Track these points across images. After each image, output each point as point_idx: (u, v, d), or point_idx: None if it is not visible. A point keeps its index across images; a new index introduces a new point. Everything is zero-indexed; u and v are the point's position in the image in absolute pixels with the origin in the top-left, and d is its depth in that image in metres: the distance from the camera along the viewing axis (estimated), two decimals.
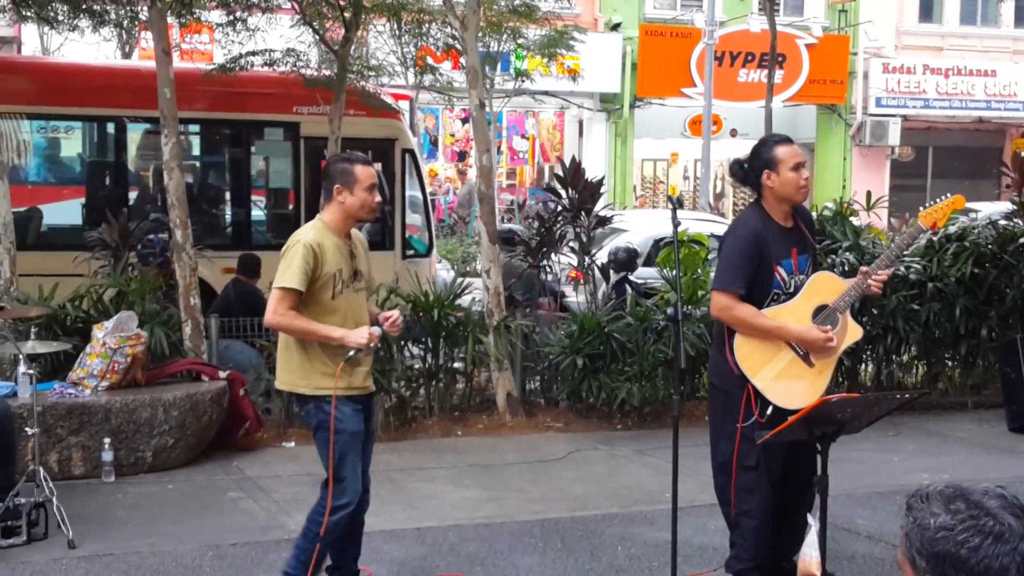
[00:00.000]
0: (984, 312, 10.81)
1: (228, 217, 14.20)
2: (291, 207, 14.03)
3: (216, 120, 13.67)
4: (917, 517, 2.12)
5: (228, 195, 14.38)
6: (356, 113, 12.96)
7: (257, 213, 14.29)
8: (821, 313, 5.60)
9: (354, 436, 5.53)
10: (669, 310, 5.59)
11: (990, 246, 10.87)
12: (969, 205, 11.12)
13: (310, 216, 13.62)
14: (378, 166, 13.57)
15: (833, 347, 5.60)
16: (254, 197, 14.23)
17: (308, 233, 5.51)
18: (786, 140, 5.74)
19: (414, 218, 14.73)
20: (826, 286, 5.68)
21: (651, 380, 9.87)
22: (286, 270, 5.38)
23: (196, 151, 14.65)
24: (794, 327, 5.55)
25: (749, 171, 5.70)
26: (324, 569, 5.66)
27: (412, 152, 14.19)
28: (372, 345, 5.45)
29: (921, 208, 5.77)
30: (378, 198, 5.59)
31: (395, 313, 5.70)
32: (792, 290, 5.63)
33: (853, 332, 5.78)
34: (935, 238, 10.94)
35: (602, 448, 9.36)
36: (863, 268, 5.74)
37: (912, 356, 11.25)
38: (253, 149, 14.13)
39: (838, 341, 5.62)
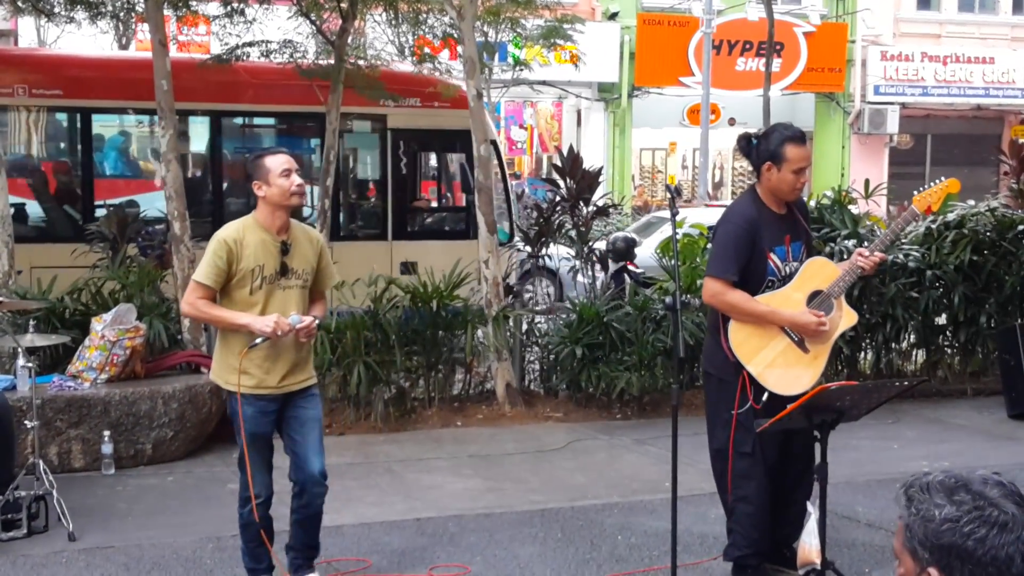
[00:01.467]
0: (983, 299, 10.81)
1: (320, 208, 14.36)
2: (378, 198, 14.28)
3: (305, 113, 13.85)
4: (920, 509, 2.11)
5: (317, 186, 14.53)
6: (440, 105, 13.44)
7: (346, 204, 14.55)
8: (815, 299, 5.61)
9: (255, 437, 5.53)
10: (668, 299, 5.59)
11: (989, 233, 10.86)
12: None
13: (397, 207, 13.91)
14: (461, 156, 13.81)
15: (826, 331, 5.61)
16: (344, 188, 14.47)
17: (227, 229, 5.53)
18: (800, 139, 5.68)
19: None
20: (820, 272, 5.68)
21: (650, 369, 9.87)
22: (200, 264, 5.50)
23: (285, 143, 14.84)
24: (786, 311, 5.56)
25: (754, 152, 5.70)
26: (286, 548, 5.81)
27: (494, 143, 14.33)
28: (280, 334, 5.33)
29: (915, 192, 5.78)
30: (296, 180, 5.44)
31: (309, 320, 5.48)
32: (786, 276, 5.64)
33: (848, 317, 5.78)
34: (934, 226, 10.94)
35: (601, 438, 9.36)
36: (859, 250, 5.76)
37: (911, 344, 11.25)
38: (341, 141, 14.18)
39: (832, 326, 5.63)
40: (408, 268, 11.36)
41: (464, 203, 14.65)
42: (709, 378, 5.91)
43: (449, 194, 15.61)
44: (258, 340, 5.36)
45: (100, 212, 12.78)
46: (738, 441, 5.56)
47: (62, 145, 14.16)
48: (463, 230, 13.23)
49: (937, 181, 5.80)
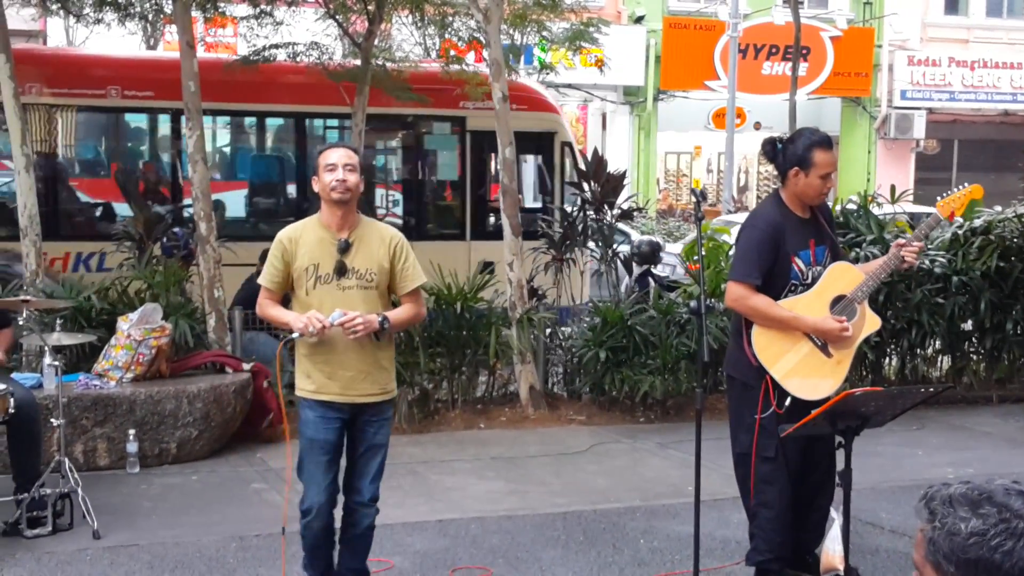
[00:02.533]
0: (1009, 306, 10.76)
1: (400, 208, 14.83)
2: (457, 199, 14.53)
3: (387, 115, 14.09)
4: (945, 523, 2.09)
5: (401, 187, 15.05)
6: (518, 107, 13.44)
7: (427, 204, 14.83)
8: (839, 304, 5.60)
9: (312, 443, 5.32)
10: (692, 303, 5.58)
11: (1016, 239, 10.81)
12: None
13: (476, 207, 14.07)
14: (539, 158, 14.03)
15: (849, 337, 5.59)
16: (424, 189, 14.82)
17: (288, 227, 5.46)
18: (827, 144, 5.68)
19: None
20: (843, 276, 5.67)
21: (674, 373, 9.86)
22: (264, 266, 5.47)
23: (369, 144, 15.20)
24: (809, 317, 5.55)
25: (780, 157, 5.69)
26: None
27: (571, 145, 14.75)
28: (312, 331, 5.12)
29: (939, 198, 5.77)
30: (339, 176, 5.22)
31: (352, 315, 5.16)
32: (810, 281, 5.63)
33: (871, 322, 5.76)
34: (960, 232, 10.90)
35: (625, 441, 9.35)
36: (897, 241, 5.75)
37: (937, 350, 11.21)
38: (423, 143, 14.67)
39: (855, 331, 5.62)
40: (487, 267, 11.46)
41: (540, 204, 14.91)
42: (732, 382, 5.90)
43: (526, 195, 15.80)
44: (293, 335, 5.26)
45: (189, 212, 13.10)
46: (761, 446, 5.54)
47: (150, 146, 14.60)
48: (535, 231, 13.36)
49: (961, 187, 5.79)
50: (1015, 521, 2.06)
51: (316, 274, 5.27)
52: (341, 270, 5.27)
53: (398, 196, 15.17)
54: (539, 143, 14.19)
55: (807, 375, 5.54)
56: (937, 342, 11.05)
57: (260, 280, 5.43)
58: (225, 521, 7.01)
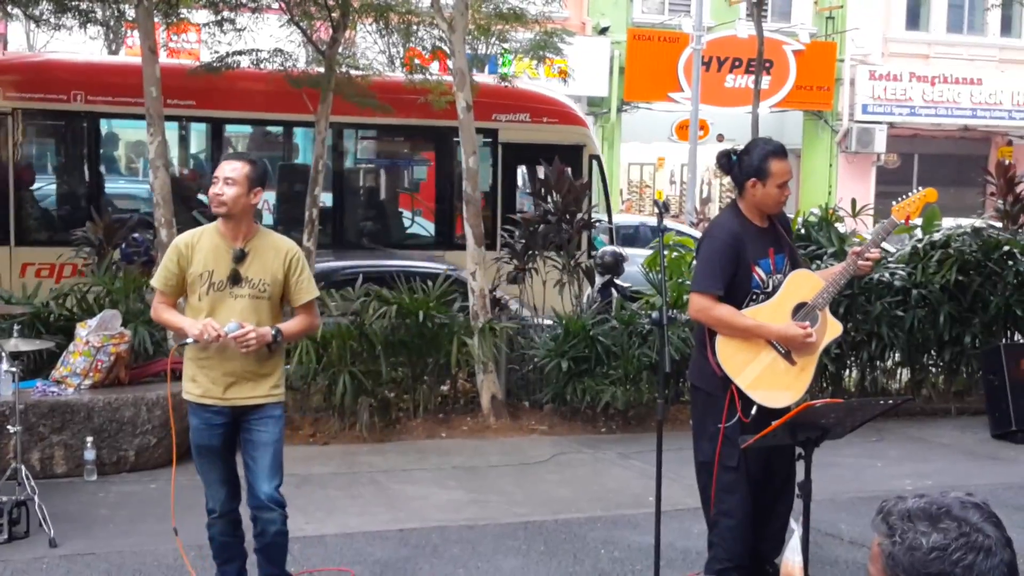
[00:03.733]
0: (968, 319, 10.85)
1: (433, 218, 15.07)
2: (488, 210, 14.50)
3: (420, 127, 14.43)
4: (906, 538, 2.10)
5: (433, 198, 15.22)
6: (549, 120, 14.13)
7: (458, 215, 14.73)
8: (801, 311, 5.64)
9: (200, 449, 5.42)
10: (654, 314, 5.59)
11: (974, 253, 10.90)
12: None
13: (506, 218, 14.13)
14: (568, 170, 14.37)
15: (813, 343, 5.62)
16: (455, 200, 14.77)
17: (186, 233, 5.50)
18: (781, 153, 5.70)
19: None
20: (804, 284, 5.70)
21: (635, 384, 9.88)
22: (158, 268, 5.53)
23: (403, 155, 15.73)
24: (773, 325, 5.58)
25: (737, 168, 5.71)
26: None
27: (598, 158, 15.04)
28: (206, 338, 5.12)
29: (894, 202, 5.82)
30: (216, 189, 5.25)
31: (246, 329, 5.17)
32: (771, 289, 5.66)
33: (833, 328, 5.80)
34: (920, 245, 10.99)
35: (586, 451, 9.36)
36: (853, 249, 5.80)
37: (896, 362, 11.29)
38: (454, 154, 14.62)
39: (818, 337, 5.65)
40: (517, 278, 11.50)
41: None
42: (696, 392, 5.91)
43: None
44: (187, 340, 5.24)
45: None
46: (724, 455, 5.56)
47: (193, 152, 14.91)
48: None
49: (916, 191, 5.87)
50: (975, 535, 2.07)
51: (210, 281, 5.29)
52: (235, 279, 5.29)
53: (430, 207, 15.39)
54: (568, 156, 14.11)
55: (772, 384, 5.56)
56: (897, 354, 11.12)
57: (153, 283, 5.50)
58: (183, 529, 6.89)
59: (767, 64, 24.18)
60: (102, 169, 14.17)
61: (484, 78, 14.72)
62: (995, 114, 29.05)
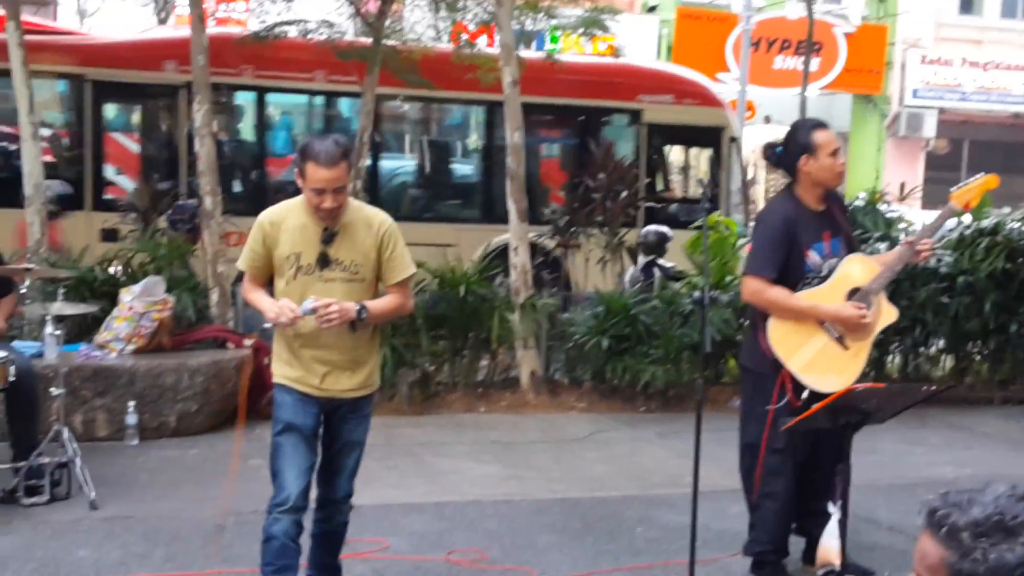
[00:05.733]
0: (1014, 307, 10.72)
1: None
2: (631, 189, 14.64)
3: (566, 106, 14.65)
4: (988, 557, 2.00)
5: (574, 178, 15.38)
6: (691, 102, 14.41)
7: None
8: (855, 295, 5.60)
9: (290, 428, 4.92)
10: (696, 294, 5.55)
11: (1023, 241, 10.77)
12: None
13: (648, 198, 14.27)
14: (709, 152, 15.01)
15: (867, 325, 5.59)
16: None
17: (270, 209, 5.03)
18: (822, 125, 5.72)
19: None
20: (859, 268, 5.67)
21: (676, 363, 9.85)
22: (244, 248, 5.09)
23: (542, 136, 15.92)
24: (827, 305, 5.55)
25: (784, 155, 5.69)
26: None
27: (737, 140, 15.20)
28: (284, 321, 4.78)
29: (953, 189, 5.76)
30: (326, 203, 4.76)
31: (325, 302, 4.77)
32: (825, 273, 5.62)
33: (888, 314, 5.76)
34: (967, 232, 10.86)
35: (624, 430, 9.34)
36: (907, 238, 5.76)
37: (940, 349, 11.18)
38: (599, 134, 14.92)
39: (873, 322, 5.61)
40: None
41: (710, 195, 15.07)
42: (747, 373, 5.90)
43: (695, 187, 16.29)
44: (266, 324, 4.93)
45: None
46: (772, 437, 5.54)
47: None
48: (690, 221, 13.54)
49: (976, 177, 5.77)
50: None
51: (297, 264, 4.90)
52: (324, 261, 4.89)
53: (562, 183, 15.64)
54: (708, 137, 14.75)
55: (824, 368, 5.53)
56: (941, 341, 11.02)
57: (239, 264, 5.10)
58: (222, 495, 6.99)
59: (817, 46, 23.94)
60: (267, 140, 14.55)
61: (631, 59, 15.55)
62: None
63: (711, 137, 14.77)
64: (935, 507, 2.11)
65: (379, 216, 5.06)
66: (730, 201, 14.80)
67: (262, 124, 14.08)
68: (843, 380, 5.45)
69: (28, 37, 12.48)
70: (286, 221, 4.92)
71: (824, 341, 5.58)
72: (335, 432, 5.09)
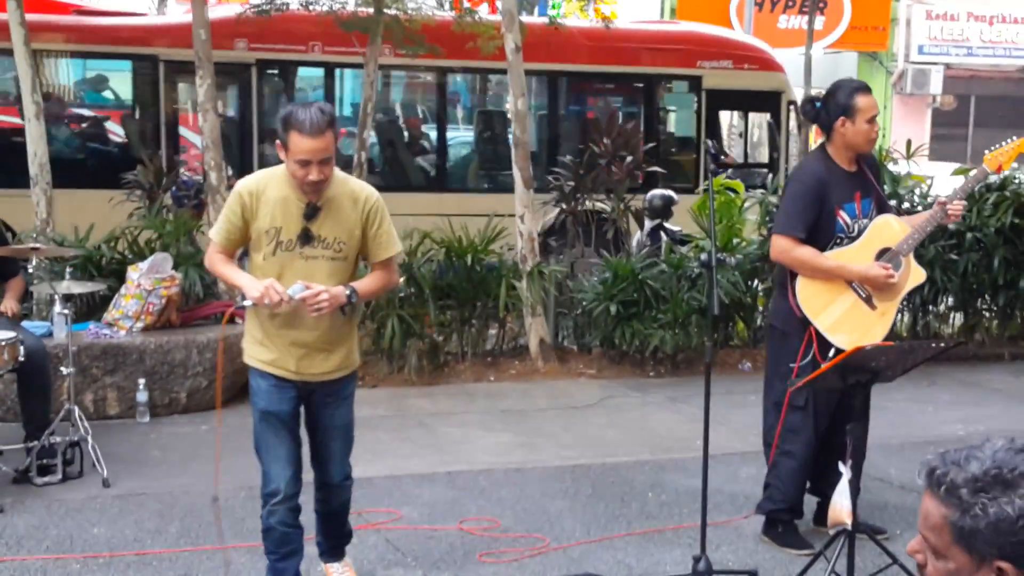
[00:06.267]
0: (1023, 263, 10.68)
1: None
2: (691, 153, 15.19)
3: (627, 74, 15.06)
4: (988, 511, 2.00)
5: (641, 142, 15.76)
6: (750, 67, 14.70)
7: (663, 158, 15.23)
8: (884, 256, 5.63)
9: (268, 416, 4.78)
10: (703, 256, 5.52)
11: None
12: None
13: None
14: (766, 116, 15.22)
15: (895, 285, 5.62)
16: (659, 144, 15.30)
17: (249, 178, 4.78)
18: (866, 89, 5.72)
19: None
20: (889, 229, 5.70)
21: (684, 328, 9.83)
22: (218, 217, 4.85)
23: (603, 103, 16.15)
24: (855, 265, 5.58)
25: (823, 113, 5.68)
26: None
27: (795, 103, 15.20)
28: (268, 303, 4.54)
29: (987, 152, 5.80)
30: (312, 176, 4.54)
31: (316, 290, 4.58)
32: (855, 234, 5.65)
33: (916, 275, 5.81)
34: (976, 188, 10.81)
35: (634, 395, 9.35)
36: (940, 199, 5.78)
37: (949, 306, 11.16)
38: (660, 101, 15.38)
39: (901, 282, 5.64)
40: None
41: (768, 159, 15.50)
42: (773, 331, 5.94)
43: (754, 151, 16.70)
44: (246, 303, 4.67)
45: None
46: (793, 395, 5.56)
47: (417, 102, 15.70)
48: (762, 185, 13.55)
49: (1009, 140, 5.84)
50: None
51: (276, 239, 4.65)
52: (306, 238, 4.66)
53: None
54: (767, 102, 14.94)
55: (852, 327, 5.56)
56: (950, 298, 11.00)
57: (211, 234, 4.85)
58: (234, 470, 6.98)
59: (821, 4, 23.83)
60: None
61: (691, 26, 15.96)
62: None
63: (770, 102, 14.93)
64: (933, 466, 2.10)
65: (365, 190, 4.85)
66: (790, 165, 14.82)
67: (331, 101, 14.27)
68: (870, 340, 5.45)
69: (99, 20, 12.76)
70: (266, 192, 4.67)
71: (852, 300, 5.61)
72: (315, 418, 4.94)
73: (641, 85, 15.19)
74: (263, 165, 12.94)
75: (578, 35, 14.22)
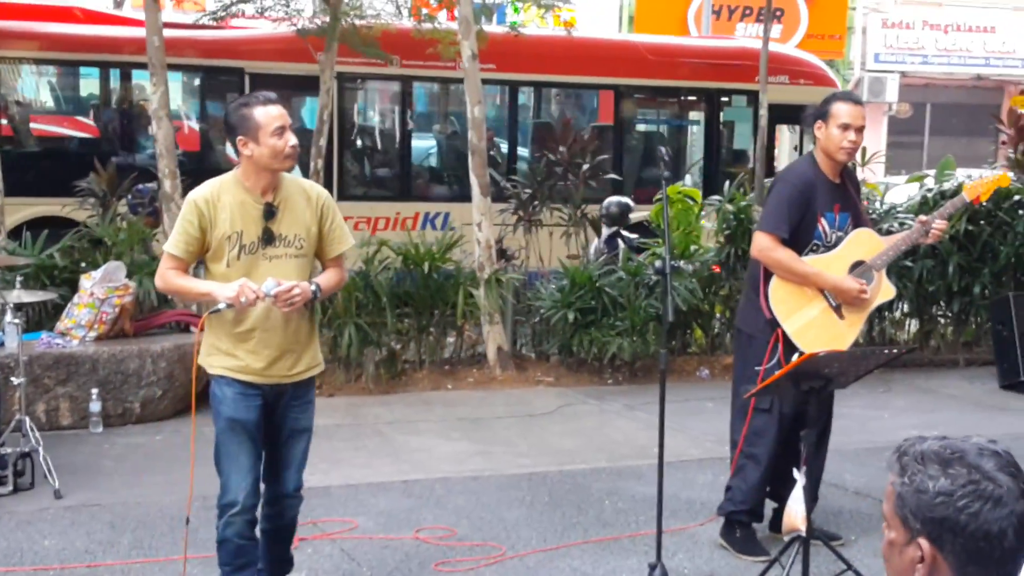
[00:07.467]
0: (977, 269, 10.78)
1: (695, 175, 15.82)
2: (751, 167, 15.07)
3: (691, 88, 15.68)
4: (914, 480, 2.07)
5: (696, 157, 16.09)
6: (805, 82, 15.07)
7: (720, 171, 15.49)
8: (857, 268, 5.69)
9: (234, 424, 4.71)
10: (658, 263, 5.54)
11: (984, 204, 10.80)
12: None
13: (765, 175, 14.48)
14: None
15: (866, 300, 5.70)
16: (715, 157, 15.72)
17: (200, 188, 4.71)
18: (848, 98, 5.82)
19: None
20: (866, 243, 5.79)
21: (642, 335, 9.84)
22: (172, 231, 4.77)
23: (666, 117, 16.74)
24: (830, 275, 5.64)
25: (808, 118, 5.84)
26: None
27: None
28: (244, 302, 4.51)
29: (967, 181, 5.93)
30: (291, 141, 4.63)
31: (289, 285, 4.59)
32: (832, 243, 5.72)
33: (886, 291, 5.88)
34: (929, 195, 10.91)
35: (592, 403, 9.34)
36: (921, 218, 5.89)
37: (904, 313, 11.24)
38: (720, 115, 15.67)
39: (871, 297, 5.72)
40: None
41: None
42: (740, 335, 5.97)
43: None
44: (220, 306, 4.57)
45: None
46: (758, 398, 5.57)
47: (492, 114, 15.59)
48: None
49: (991, 173, 6.10)
50: (984, 483, 2.04)
51: (239, 243, 4.63)
52: (268, 238, 4.66)
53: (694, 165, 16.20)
54: None
55: (819, 333, 5.61)
56: (905, 305, 11.08)
57: (168, 248, 4.73)
58: (188, 481, 6.94)
59: (778, 12, 23.96)
60: (412, 127, 15.00)
61: (749, 42, 16.24)
62: (1008, 63, 28.75)
63: None
64: (902, 444, 2.17)
65: (315, 187, 4.96)
66: None
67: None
68: (835, 348, 5.48)
69: (191, 33, 12.69)
70: (221, 198, 4.65)
71: (822, 308, 5.68)
72: (280, 421, 4.87)
73: (701, 99, 15.72)
74: (340, 172, 13.72)
75: (643, 50, 15.07)
